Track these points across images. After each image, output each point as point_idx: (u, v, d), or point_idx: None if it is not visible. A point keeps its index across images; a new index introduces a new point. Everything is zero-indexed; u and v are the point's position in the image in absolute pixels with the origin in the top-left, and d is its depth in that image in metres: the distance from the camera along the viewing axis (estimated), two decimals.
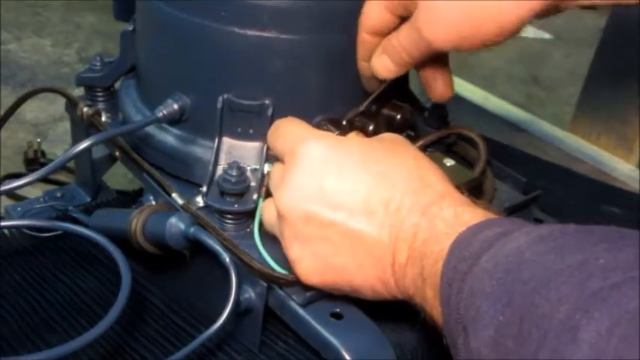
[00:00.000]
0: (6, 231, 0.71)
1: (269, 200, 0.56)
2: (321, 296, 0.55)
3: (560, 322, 0.33)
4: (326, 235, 0.50)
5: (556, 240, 0.39)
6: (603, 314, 0.32)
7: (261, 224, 0.58)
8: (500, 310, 0.37)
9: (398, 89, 0.69)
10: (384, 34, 0.58)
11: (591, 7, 0.56)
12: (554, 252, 0.38)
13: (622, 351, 0.31)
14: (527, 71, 1.93)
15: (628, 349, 0.30)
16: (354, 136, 0.58)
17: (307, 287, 0.54)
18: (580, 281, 0.34)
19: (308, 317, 0.54)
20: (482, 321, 0.38)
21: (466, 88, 1.48)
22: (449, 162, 0.67)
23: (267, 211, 0.56)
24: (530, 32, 2.17)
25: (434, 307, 0.45)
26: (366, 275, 0.50)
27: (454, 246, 0.44)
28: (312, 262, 0.51)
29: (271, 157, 0.60)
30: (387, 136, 0.56)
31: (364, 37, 0.59)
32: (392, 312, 0.61)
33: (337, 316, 0.55)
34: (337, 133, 0.60)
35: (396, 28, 0.57)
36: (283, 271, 0.55)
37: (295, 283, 0.55)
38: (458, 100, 1.44)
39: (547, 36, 2.14)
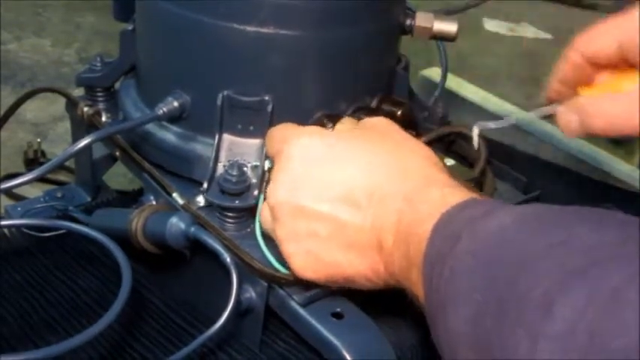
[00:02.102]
0: (6, 231, 0.71)
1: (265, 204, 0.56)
2: (322, 296, 0.55)
3: (537, 298, 0.33)
4: (314, 230, 0.50)
5: (540, 219, 0.39)
6: (581, 289, 0.32)
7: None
8: (479, 289, 0.37)
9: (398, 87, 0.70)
10: (597, 66, 0.54)
11: None
12: (536, 231, 0.37)
13: (596, 326, 0.30)
14: (527, 71, 1.92)
15: (603, 324, 0.30)
16: (339, 127, 0.58)
17: (307, 286, 0.55)
18: (560, 259, 0.34)
19: (308, 317, 0.54)
20: (462, 300, 0.38)
21: (466, 88, 1.48)
22: (449, 161, 0.67)
23: (263, 211, 0.56)
24: (530, 32, 2.17)
25: (418, 289, 0.45)
26: (357, 266, 0.50)
27: (437, 225, 0.44)
28: (305, 258, 0.51)
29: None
30: (374, 122, 0.56)
31: (576, 61, 0.55)
32: (392, 312, 0.61)
33: (338, 315, 0.55)
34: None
35: (613, 65, 0.52)
36: (285, 271, 0.55)
37: (296, 282, 0.55)
38: (458, 100, 1.44)
39: (547, 36, 2.14)
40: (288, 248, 0.52)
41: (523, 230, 0.38)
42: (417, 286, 0.45)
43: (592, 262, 0.33)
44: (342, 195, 0.50)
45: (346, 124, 0.58)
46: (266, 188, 0.58)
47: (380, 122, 0.56)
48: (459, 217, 0.43)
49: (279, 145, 0.54)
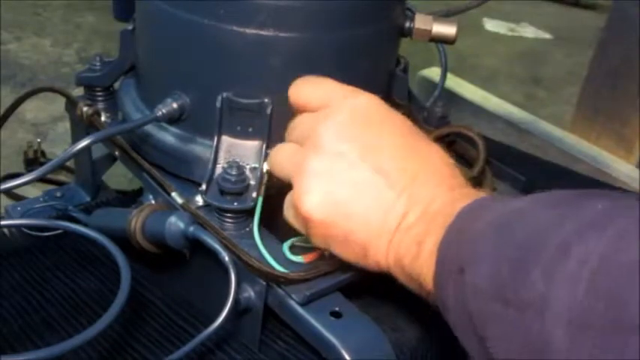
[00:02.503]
0: (6, 230, 0.71)
1: (280, 145, 0.56)
2: (321, 295, 0.55)
3: (553, 245, 0.37)
4: (348, 178, 0.50)
5: (558, 197, 0.42)
6: (596, 236, 0.35)
7: (260, 223, 0.59)
8: (499, 248, 0.40)
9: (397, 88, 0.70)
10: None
11: None
12: (554, 205, 0.41)
13: (605, 252, 0.34)
14: (527, 71, 1.93)
15: (610, 253, 0.34)
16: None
17: (307, 285, 0.55)
18: (579, 217, 0.38)
19: (307, 316, 0.54)
20: (481, 259, 0.41)
21: (466, 88, 1.48)
22: None
23: (281, 149, 0.56)
24: (530, 32, 2.17)
25: (425, 266, 0.47)
26: (366, 226, 0.50)
27: (463, 209, 0.46)
28: (322, 196, 0.51)
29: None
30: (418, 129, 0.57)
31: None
32: (392, 312, 0.62)
33: (336, 314, 0.55)
34: None
35: None
36: (283, 270, 0.55)
37: (295, 281, 0.55)
38: (458, 100, 1.44)
39: (547, 36, 2.14)
40: (310, 182, 0.51)
41: (540, 206, 0.42)
42: (424, 259, 0.47)
43: (610, 217, 0.36)
44: (387, 162, 0.51)
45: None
46: (263, 189, 0.58)
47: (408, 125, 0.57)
48: (486, 203, 0.47)
49: (330, 96, 0.54)
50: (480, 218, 0.44)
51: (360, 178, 0.50)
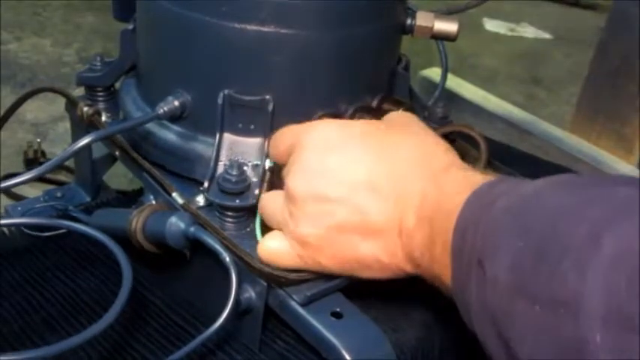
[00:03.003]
0: (6, 230, 0.71)
1: (270, 192, 0.57)
2: (321, 295, 0.55)
3: (582, 234, 0.34)
4: (332, 211, 0.51)
5: (574, 181, 0.40)
6: (628, 222, 0.32)
7: (262, 222, 0.58)
8: (518, 237, 0.38)
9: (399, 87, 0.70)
10: None
11: None
12: (572, 189, 0.38)
13: None
14: (527, 71, 1.93)
15: None
16: (357, 121, 0.59)
17: (307, 286, 0.55)
18: (601, 206, 0.35)
19: (308, 316, 0.54)
20: (501, 250, 0.38)
21: (466, 88, 1.48)
22: None
23: (269, 200, 0.57)
24: (530, 32, 2.17)
25: (442, 265, 0.46)
26: (373, 249, 0.51)
27: (470, 199, 0.45)
28: (320, 241, 0.52)
29: None
30: (394, 116, 0.57)
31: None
32: (392, 312, 0.61)
33: (337, 315, 0.55)
34: None
35: None
36: (284, 271, 0.55)
37: (296, 281, 0.55)
38: (458, 100, 1.44)
39: (547, 36, 2.14)
40: (304, 230, 0.52)
41: (559, 190, 0.39)
42: (439, 262, 0.46)
43: (634, 205, 0.34)
44: (361, 180, 0.51)
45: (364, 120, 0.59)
46: (265, 186, 0.59)
47: (400, 115, 0.58)
48: (493, 190, 0.44)
49: (293, 139, 0.55)
50: (492, 205, 0.42)
51: (343, 209, 0.51)
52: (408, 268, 0.51)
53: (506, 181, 0.45)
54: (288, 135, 0.56)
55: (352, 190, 0.50)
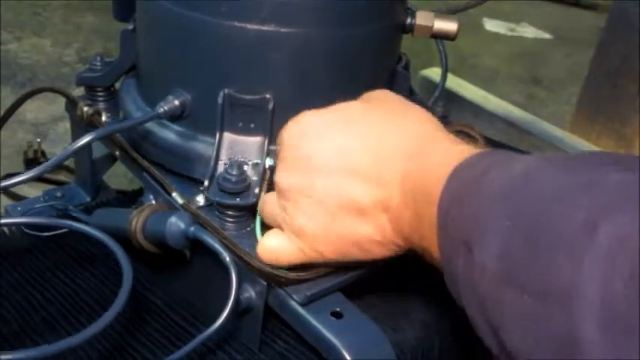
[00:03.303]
0: (6, 230, 0.71)
1: (269, 193, 0.58)
2: (321, 295, 0.55)
3: (578, 223, 0.32)
4: (319, 199, 0.51)
5: (566, 161, 0.38)
6: (626, 212, 0.31)
7: (262, 222, 0.58)
8: (508, 221, 0.36)
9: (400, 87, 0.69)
10: None
11: None
12: (564, 170, 0.37)
13: None
14: (527, 71, 1.93)
15: None
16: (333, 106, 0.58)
17: (307, 286, 0.55)
18: (596, 193, 0.33)
19: (308, 316, 0.54)
20: (489, 234, 0.37)
21: (466, 88, 1.48)
22: None
23: (267, 200, 0.57)
24: (530, 32, 2.17)
25: (430, 241, 0.45)
26: (364, 229, 0.51)
27: (454, 173, 0.43)
28: (315, 231, 0.52)
29: (272, 152, 0.61)
30: (372, 93, 0.57)
31: None
32: (392, 312, 0.62)
33: (337, 315, 0.55)
34: None
35: None
36: (284, 270, 0.55)
37: (296, 281, 0.55)
38: (458, 100, 1.44)
39: (547, 36, 2.14)
40: (298, 222, 0.52)
41: (550, 170, 0.38)
42: (427, 238, 0.45)
43: (630, 192, 0.32)
44: (341, 164, 0.51)
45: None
46: (265, 185, 0.59)
47: (379, 92, 0.58)
48: (479, 164, 0.42)
49: (279, 136, 0.56)
50: (478, 182, 0.40)
51: (329, 197, 0.51)
52: (402, 244, 0.51)
53: (494, 154, 0.43)
54: (278, 139, 0.57)
55: (333, 176, 0.51)
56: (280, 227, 0.55)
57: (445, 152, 0.47)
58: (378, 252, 0.52)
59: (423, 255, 0.49)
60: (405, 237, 0.50)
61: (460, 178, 0.43)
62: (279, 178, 0.54)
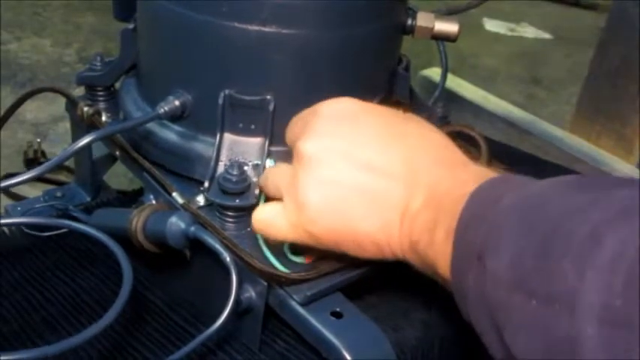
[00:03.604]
0: (6, 230, 0.71)
1: (276, 165, 0.58)
2: (322, 295, 0.55)
3: (584, 234, 0.34)
4: (339, 180, 0.50)
5: (579, 182, 0.40)
6: (629, 225, 0.33)
7: None
8: (522, 235, 0.38)
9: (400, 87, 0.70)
10: None
11: None
12: (577, 190, 0.39)
13: None
14: (527, 71, 1.93)
15: None
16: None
17: (308, 286, 0.55)
18: (603, 207, 0.35)
19: (308, 316, 0.54)
20: (503, 246, 0.39)
21: (466, 88, 1.48)
22: None
23: (274, 171, 0.57)
24: (530, 32, 2.17)
25: (440, 251, 0.46)
26: (370, 224, 0.50)
27: (478, 191, 0.45)
28: (322, 206, 0.51)
29: (273, 153, 0.61)
30: (409, 114, 0.57)
31: None
32: (392, 312, 0.62)
33: (337, 314, 0.55)
34: None
35: None
36: (284, 270, 0.55)
37: (296, 281, 0.55)
38: (458, 100, 1.44)
39: (547, 36, 2.14)
40: (307, 194, 0.51)
41: (564, 191, 0.40)
42: (438, 247, 0.46)
43: (633, 207, 0.34)
44: (375, 156, 0.50)
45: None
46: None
47: (416, 116, 0.57)
48: (500, 186, 0.44)
49: (309, 113, 0.55)
50: (498, 202, 0.42)
51: (350, 179, 0.50)
52: (399, 252, 0.50)
53: (514, 179, 0.45)
54: (304, 113, 0.56)
55: (364, 164, 0.50)
56: (281, 199, 0.54)
57: (477, 173, 0.48)
58: (371, 252, 0.52)
59: (418, 266, 0.49)
60: (409, 244, 0.49)
61: (482, 198, 0.44)
62: (303, 143, 0.52)
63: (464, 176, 0.48)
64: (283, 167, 0.55)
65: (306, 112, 0.56)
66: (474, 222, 0.43)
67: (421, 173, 0.49)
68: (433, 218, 0.47)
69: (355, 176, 0.50)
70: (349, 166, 0.50)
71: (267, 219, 0.54)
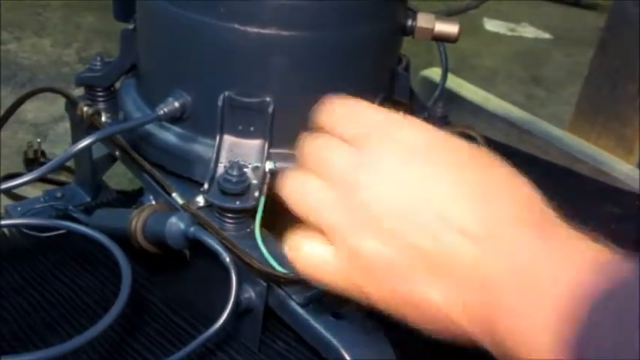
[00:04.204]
0: (6, 231, 0.71)
1: (292, 172, 0.45)
2: (321, 296, 0.55)
3: None
4: (404, 231, 0.40)
5: None
6: None
7: (262, 222, 0.58)
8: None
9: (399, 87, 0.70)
10: None
11: None
12: None
13: None
14: (527, 71, 1.92)
15: None
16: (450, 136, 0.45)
17: (307, 286, 0.55)
18: None
19: (308, 317, 0.54)
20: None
21: (466, 88, 1.48)
22: None
23: (295, 182, 0.44)
24: (530, 32, 2.17)
25: (530, 335, 0.36)
26: (433, 289, 0.40)
27: (604, 291, 0.35)
28: (378, 258, 0.41)
29: (272, 156, 0.61)
30: (480, 150, 0.45)
31: None
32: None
33: (337, 315, 0.55)
34: None
35: None
36: (283, 270, 0.55)
37: (296, 282, 0.55)
38: (458, 100, 1.44)
39: (547, 36, 2.14)
40: (363, 241, 0.41)
41: None
42: (535, 334, 0.36)
43: None
44: (449, 212, 0.40)
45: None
46: (265, 188, 0.58)
47: (477, 149, 0.45)
48: (616, 271, 0.35)
49: (368, 129, 0.44)
50: (603, 308, 0.34)
51: (417, 233, 0.40)
52: (466, 326, 0.40)
53: (625, 261, 0.36)
54: (363, 117, 0.45)
55: (439, 217, 0.40)
56: (315, 224, 0.43)
57: (571, 248, 0.38)
58: (430, 323, 0.42)
59: (490, 347, 0.39)
60: (479, 317, 0.39)
61: (585, 298, 0.35)
62: (364, 177, 0.42)
63: (556, 244, 0.38)
64: (309, 182, 0.43)
65: (362, 123, 0.45)
66: (578, 332, 0.34)
67: (503, 233, 0.39)
68: (525, 299, 0.37)
69: (427, 231, 0.40)
70: (423, 218, 0.40)
71: (318, 260, 0.43)
